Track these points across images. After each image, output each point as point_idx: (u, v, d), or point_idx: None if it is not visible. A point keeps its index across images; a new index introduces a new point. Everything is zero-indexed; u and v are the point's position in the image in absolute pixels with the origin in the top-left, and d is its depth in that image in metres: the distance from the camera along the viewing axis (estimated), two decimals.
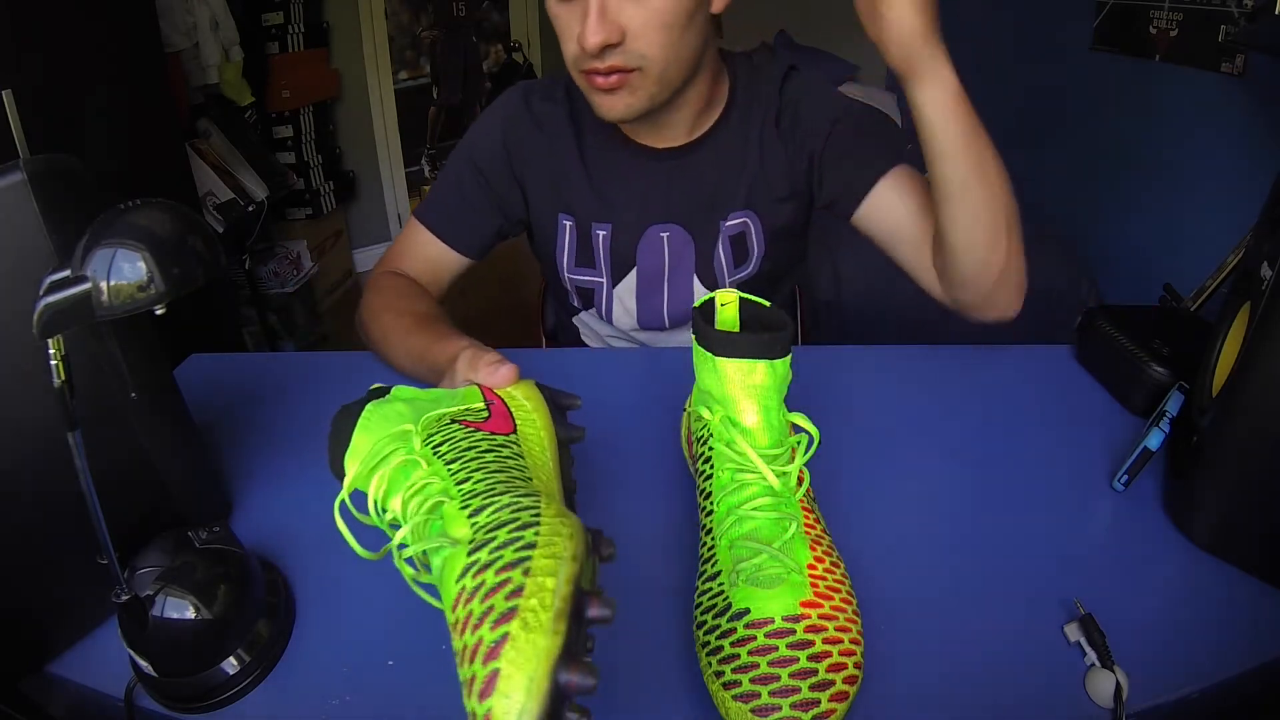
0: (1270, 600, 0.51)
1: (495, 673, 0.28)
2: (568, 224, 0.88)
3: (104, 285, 0.37)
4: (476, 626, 0.30)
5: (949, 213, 0.67)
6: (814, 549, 0.47)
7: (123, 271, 0.37)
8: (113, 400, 0.47)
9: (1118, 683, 0.43)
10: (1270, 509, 0.51)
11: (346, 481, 0.44)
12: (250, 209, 2.24)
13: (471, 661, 0.29)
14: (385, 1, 3.01)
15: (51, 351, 0.38)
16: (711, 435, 0.50)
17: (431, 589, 0.39)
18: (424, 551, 0.38)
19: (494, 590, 0.31)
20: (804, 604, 0.43)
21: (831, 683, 0.40)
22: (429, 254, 0.88)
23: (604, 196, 0.86)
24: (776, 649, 0.41)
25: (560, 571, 0.31)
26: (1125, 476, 0.60)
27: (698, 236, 0.86)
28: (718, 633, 0.44)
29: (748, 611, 0.43)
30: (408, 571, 0.40)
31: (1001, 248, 0.67)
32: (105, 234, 0.37)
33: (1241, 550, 0.53)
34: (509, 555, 0.32)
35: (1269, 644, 0.48)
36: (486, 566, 0.32)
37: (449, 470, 0.41)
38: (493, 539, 0.34)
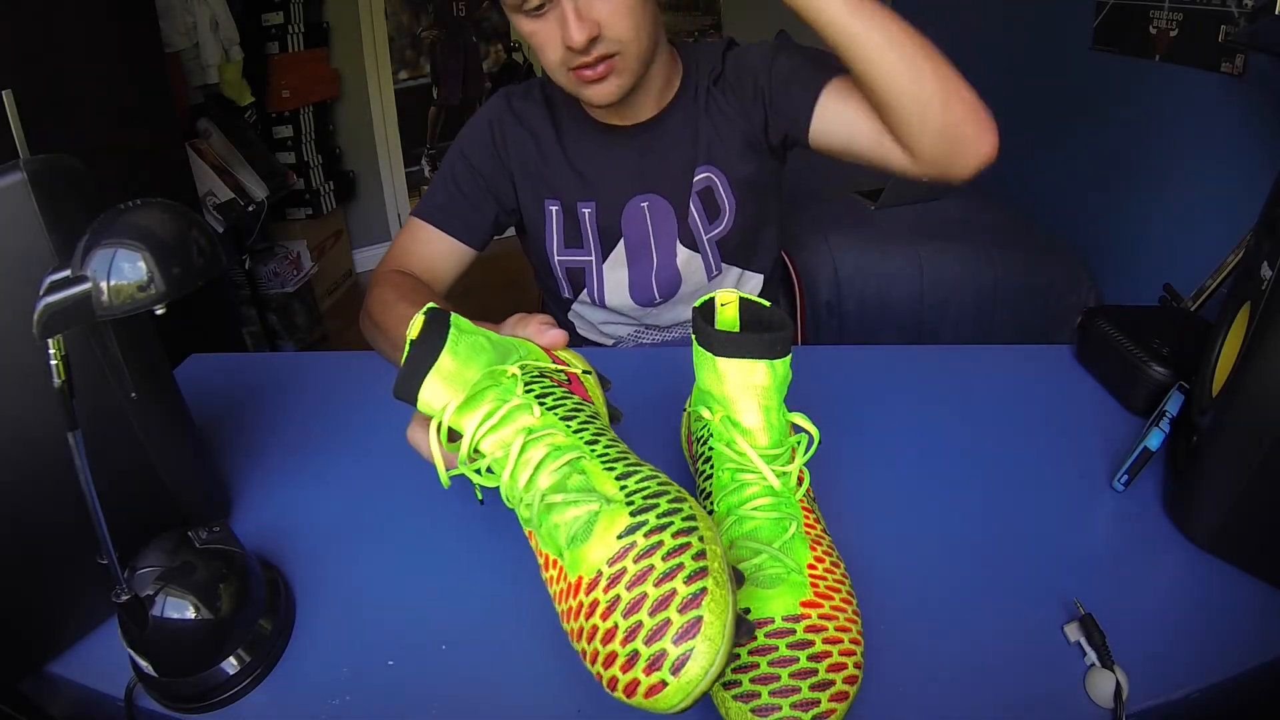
0: (1270, 600, 0.51)
1: (698, 619, 0.34)
2: (554, 208, 0.93)
3: (104, 285, 0.37)
4: (664, 580, 0.35)
5: (879, 76, 0.71)
6: (814, 549, 0.47)
7: (123, 271, 0.37)
8: (113, 400, 0.47)
9: (1118, 683, 0.43)
10: (1270, 509, 0.51)
11: (450, 410, 0.43)
12: (250, 209, 2.24)
13: (659, 610, 0.34)
14: (385, 1, 3.01)
15: (51, 351, 0.38)
16: (711, 435, 0.50)
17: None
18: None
19: (677, 551, 0.36)
20: (804, 604, 0.43)
21: (831, 683, 0.40)
22: (431, 250, 0.90)
23: (584, 177, 0.92)
24: (776, 649, 0.41)
25: (719, 543, 0.37)
26: (1125, 476, 0.60)
27: (675, 202, 0.92)
28: None
29: (748, 611, 0.43)
30: (528, 515, 0.41)
31: (942, 79, 0.70)
32: (105, 234, 0.37)
33: (1241, 550, 0.53)
34: (679, 523, 0.38)
35: (1269, 644, 0.48)
36: (660, 529, 0.37)
37: (568, 427, 0.43)
38: (656, 505, 0.39)
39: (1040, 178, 2.37)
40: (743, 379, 0.48)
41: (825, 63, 0.84)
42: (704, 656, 0.34)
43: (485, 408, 0.43)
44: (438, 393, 0.43)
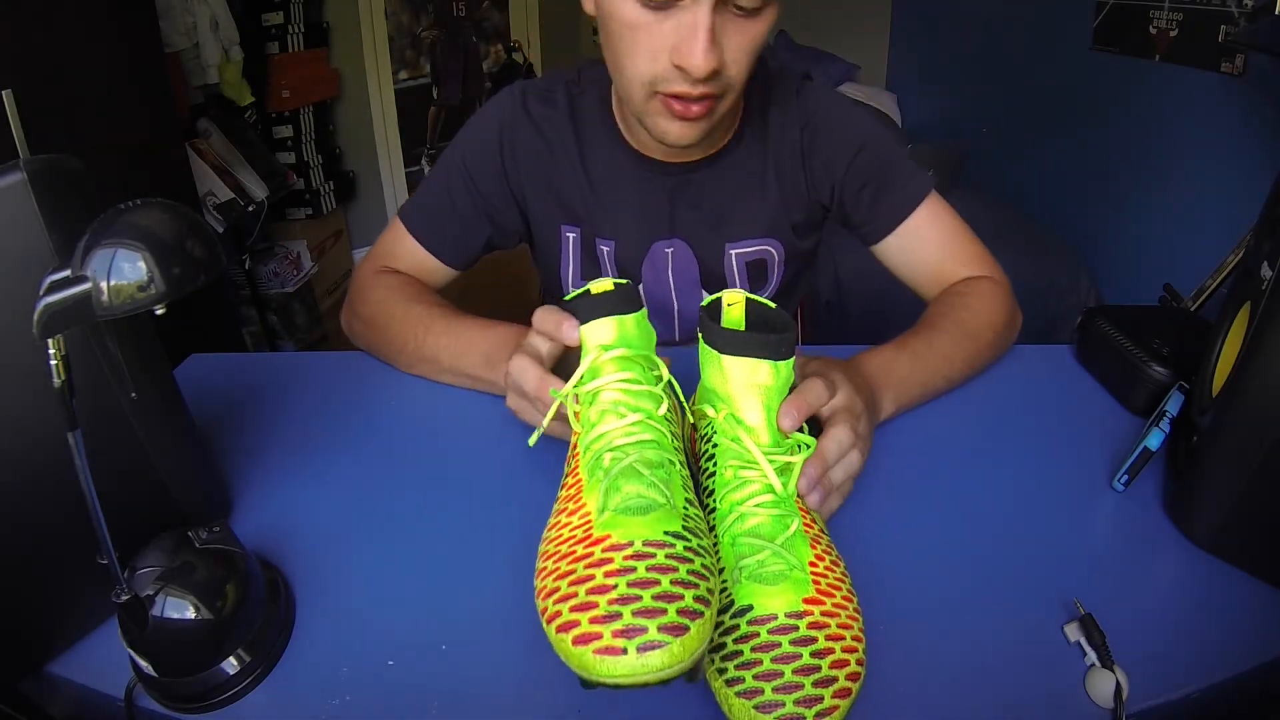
0: (1270, 600, 0.51)
1: (686, 628, 0.36)
2: (571, 236, 0.85)
3: (104, 285, 0.37)
4: (679, 585, 0.38)
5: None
6: (814, 546, 0.47)
7: (123, 271, 0.37)
8: (113, 400, 0.47)
9: (1118, 683, 0.43)
10: (1270, 509, 0.51)
11: (615, 353, 0.49)
12: (250, 209, 2.24)
13: (662, 600, 0.37)
14: (385, 1, 3.01)
15: (51, 351, 0.38)
16: (715, 433, 0.51)
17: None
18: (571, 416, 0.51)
19: (701, 575, 0.40)
20: (807, 600, 0.43)
21: (835, 679, 0.40)
22: (414, 258, 0.85)
23: (607, 209, 0.82)
24: (780, 645, 0.41)
25: (718, 602, 0.41)
26: (1125, 476, 0.60)
27: (701, 255, 0.85)
28: (720, 629, 0.44)
29: (751, 608, 0.43)
30: (602, 466, 0.45)
31: (1000, 347, 0.77)
32: (105, 234, 0.37)
33: (1241, 550, 0.53)
34: (708, 560, 0.42)
35: (1269, 644, 0.48)
36: (697, 553, 0.41)
37: (672, 437, 0.48)
38: (700, 537, 0.43)
39: (1040, 177, 2.37)
40: (747, 377, 0.48)
41: (913, 179, 0.80)
42: (671, 656, 0.36)
43: (632, 374, 0.49)
44: (608, 332, 0.50)
